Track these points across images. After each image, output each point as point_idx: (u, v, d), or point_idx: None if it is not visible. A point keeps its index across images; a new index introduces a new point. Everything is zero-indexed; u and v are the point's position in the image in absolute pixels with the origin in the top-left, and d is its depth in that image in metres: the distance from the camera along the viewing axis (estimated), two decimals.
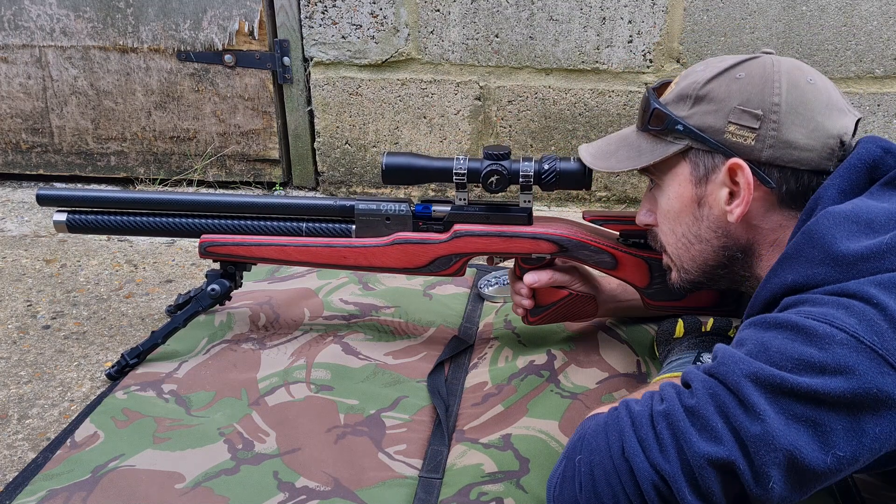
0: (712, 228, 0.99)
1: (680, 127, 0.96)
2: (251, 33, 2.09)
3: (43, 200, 1.37)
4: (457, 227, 1.26)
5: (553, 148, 2.12)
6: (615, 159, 1.05)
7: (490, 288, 1.63)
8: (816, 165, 0.92)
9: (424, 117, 2.13)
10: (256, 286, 1.62)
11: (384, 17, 2.04)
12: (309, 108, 2.18)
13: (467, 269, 1.34)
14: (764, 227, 0.96)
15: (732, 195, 0.95)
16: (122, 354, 1.36)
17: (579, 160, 1.18)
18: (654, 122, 0.99)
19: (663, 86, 1.06)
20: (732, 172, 0.93)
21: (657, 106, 0.99)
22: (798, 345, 0.75)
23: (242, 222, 1.34)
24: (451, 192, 1.96)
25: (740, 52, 2.05)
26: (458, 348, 1.40)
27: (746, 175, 0.92)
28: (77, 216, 1.37)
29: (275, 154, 2.22)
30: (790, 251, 0.84)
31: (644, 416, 0.80)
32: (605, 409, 0.89)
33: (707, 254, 1.01)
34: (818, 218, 0.83)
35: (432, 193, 2.24)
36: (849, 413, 0.73)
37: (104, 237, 1.93)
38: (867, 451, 0.74)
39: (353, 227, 1.31)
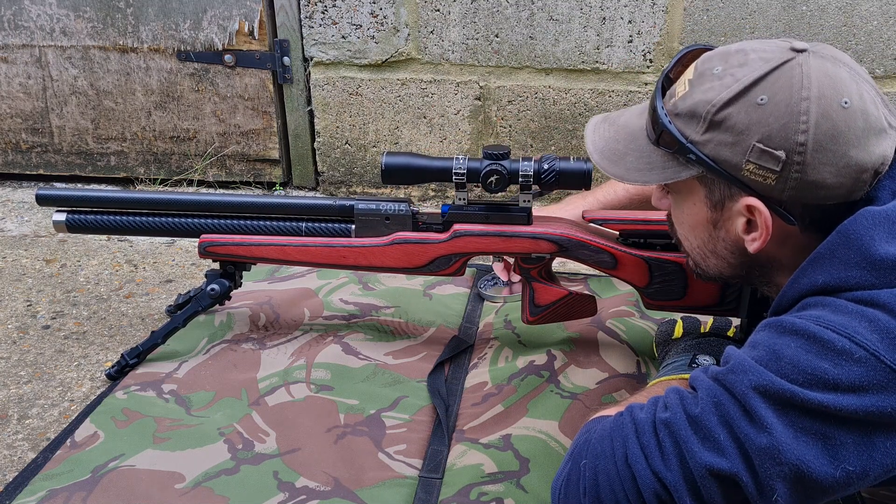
0: (729, 249, 0.92)
1: (692, 156, 0.84)
2: (251, 33, 2.09)
3: (42, 200, 1.37)
4: (456, 226, 1.26)
5: (553, 148, 2.12)
6: (623, 167, 0.93)
7: (490, 288, 1.63)
8: (845, 198, 0.82)
9: (424, 117, 2.13)
10: (256, 286, 1.62)
11: (384, 17, 2.04)
12: (309, 108, 2.18)
13: (467, 269, 1.34)
14: (784, 251, 0.88)
15: (750, 223, 0.86)
16: (122, 354, 1.36)
17: (580, 158, 1.18)
18: (664, 143, 0.88)
19: (678, 68, 0.94)
20: (749, 210, 0.85)
21: (668, 127, 0.86)
22: (812, 357, 0.73)
23: (242, 222, 1.34)
24: (451, 192, 1.96)
25: None
26: (458, 348, 1.40)
27: (764, 216, 0.83)
28: (77, 216, 1.37)
29: (275, 154, 2.22)
30: (823, 250, 0.80)
31: (647, 423, 0.80)
32: (611, 411, 0.89)
33: (722, 267, 0.95)
34: (856, 217, 0.78)
35: (432, 193, 2.24)
36: (860, 428, 0.72)
37: (104, 237, 1.93)
38: (878, 465, 0.72)
39: (353, 226, 1.31)
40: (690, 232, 0.95)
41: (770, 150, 0.79)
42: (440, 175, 1.22)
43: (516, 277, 1.54)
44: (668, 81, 0.93)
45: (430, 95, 2.10)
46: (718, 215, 0.89)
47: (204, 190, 2.27)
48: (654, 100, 0.89)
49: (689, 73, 0.87)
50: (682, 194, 0.93)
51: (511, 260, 1.41)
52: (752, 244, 0.86)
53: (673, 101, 0.87)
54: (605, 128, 0.98)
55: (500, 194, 1.22)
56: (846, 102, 0.79)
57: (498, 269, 1.54)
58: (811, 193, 0.81)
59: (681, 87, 0.87)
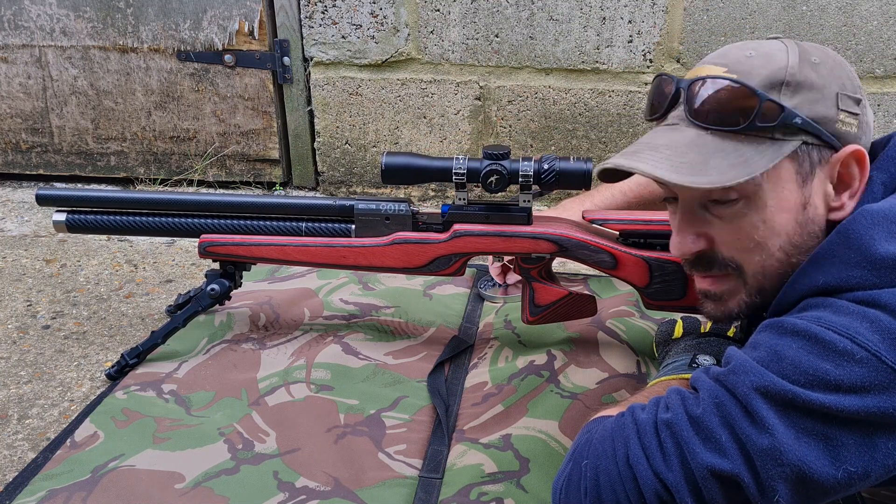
0: (815, 233, 0.86)
1: (798, 120, 0.81)
2: (251, 33, 2.09)
3: (42, 200, 1.37)
4: (456, 226, 1.26)
5: (553, 148, 2.12)
6: (716, 172, 0.81)
7: (490, 288, 1.63)
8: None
9: (424, 117, 2.13)
10: (256, 286, 1.61)
11: (384, 17, 2.04)
12: (309, 108, 2.18)
13: (467, 269, 1.34)
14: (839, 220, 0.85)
15: (838, 181, 0.85)
16: (122, 354, 1.36)
17: (580, 158, 1.18)
18: (765, 117, 0.81)
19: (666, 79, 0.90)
20: (849, 162, 0.83)
21: (769, 97, 0.80)
22: (813, 358, 0.73)
23: (242, 222, 1.34)
24: (451, 192, 1.96)
25: None
26: (458, 348, 1.40)
27: (865, 160, 0.84)
28: (76, 216, 1.37)
29: (275, 154, 2.22)
30: (822, 251, 0.80)
31: (649, 423, 0.80)
32: (612, 411, 0.89)
33: (796, 265, 0.86)
34: (854, 216, 0.79)
35: (432, 193, 2.24)
36: (861, 429, 0.72)
37: (104, 237, 1.93)
38: (879, 466, 0.73)
39: (353, 226, 1.31)
40: (771, 233, 0.85)
41: (851, 95, 0.84)
42: (440, 175, 1.22)
43: (512, 279, 1.54)
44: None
45: (430, 95, 2.10)
46: (808, 191, 0.84)
47: (204, 190, 2.27)
48: (721, 90, 0.83)
49: (711, 70, 0.85)
50: (768, 188, 0.83)
51: (511, 264, 1.41)
52: (850, 203, 0.85)
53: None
54: (648, 155, 0.85)
55: (499, 194, 1.22)
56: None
57: (494, 271, 1.53)
58: (869, 135, 0.87)
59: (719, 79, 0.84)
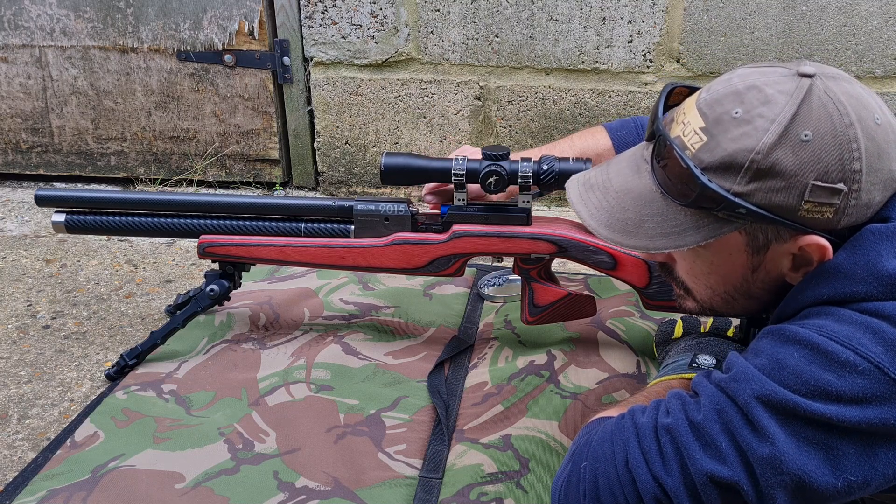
0: (766, 288, 0.86)
1: (743, 210, 0.77)
2: (251, 33, 2.09)
3: (41, 201, 1.37)
4: (456, 227, 1.26)
5: None
6: (644, 236, 0.84)
7: (490, 288, 1.63)
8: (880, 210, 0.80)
9: (424, 117, 2.13)
10: (256, 286, 1.62)
11: (384, 17, 2.04)
12: (309, 108, 2.18)
13: (467, 269, 1.34)
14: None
15: (795, 258, 0.82)
16: (122, 355, 1.36)
17: (579, 159, 1.18)
18: (707, 200, 0.78)
19: (674, 93, 0.89)
20: (806, 250, 0.80)
21: (710, 186, 0.77)
22: (816, 368, 0.72)
23: (241, 223, 1.34)
24: None
25: (740, 53, 2.03)
26: (458, 348, 1.40)
27: (827, 253, 0.79)
28: (76, 217, 1.37)
29: (275, 154, 2.22)
30: (829, 265, 0.78)
31: (649, 427, 0.80)
32: (613, 412, 0.89)
33: (753, 306, 0.90)
34: (862, 233, 0.78)
35: None
36: (862, 439, 0.72)
37: (104, 237, 1.93)
38: (879, 475, 0.73)
39: (352, 227, 1.31)
40: (719, 281, 0.88)
41: (829, 185, 0.75)
42: (440, 175, 1.22)
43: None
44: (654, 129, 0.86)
45: (430, 95, 2.10)
46: (760, 259, 0.84)
47: (204, 190, 2.27)
48: (673, 159, 0.81)
49: (694, 119, 0.80)
50: (712, 249, 0.84)
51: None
52: (802, 278, 0.83)
53: (691, 154, 0.80)
54: (597, 197, 0.89)
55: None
56: (878, 119, 0.77)
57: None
58: (862, 214, 0.79)
59: (692, 137, 0.80)
